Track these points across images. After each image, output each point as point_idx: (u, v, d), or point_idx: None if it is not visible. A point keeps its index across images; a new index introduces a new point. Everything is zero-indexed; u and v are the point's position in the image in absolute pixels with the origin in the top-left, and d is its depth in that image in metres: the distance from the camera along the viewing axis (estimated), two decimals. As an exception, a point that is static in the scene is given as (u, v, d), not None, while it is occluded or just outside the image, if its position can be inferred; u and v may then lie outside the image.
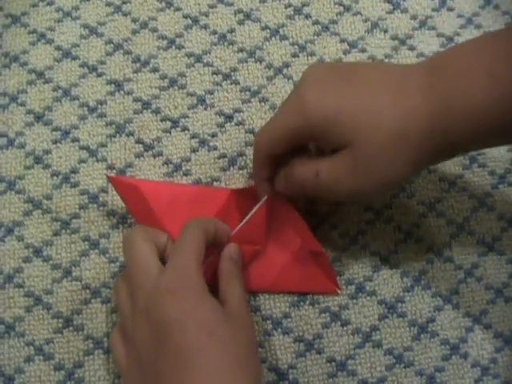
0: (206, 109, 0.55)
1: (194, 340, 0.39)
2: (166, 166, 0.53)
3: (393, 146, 0.41)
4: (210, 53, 0.57)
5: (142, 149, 0.54)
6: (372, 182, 0.42)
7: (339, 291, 0.51)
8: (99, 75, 0.56)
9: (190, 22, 0.58)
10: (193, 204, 0.49)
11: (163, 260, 0.44)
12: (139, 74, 0.56)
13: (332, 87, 0.43)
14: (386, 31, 0.58)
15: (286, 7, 0.59)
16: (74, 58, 0.56)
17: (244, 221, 0.48)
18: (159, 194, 0.48)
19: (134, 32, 0.57)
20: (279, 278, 0.50)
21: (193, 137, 0.54)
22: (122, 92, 0.55)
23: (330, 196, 0.47)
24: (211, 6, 0.58)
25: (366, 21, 0.59)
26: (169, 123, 0.54)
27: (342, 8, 0.59)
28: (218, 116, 0.55)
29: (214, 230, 0.46)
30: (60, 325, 0.49)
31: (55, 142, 0.54)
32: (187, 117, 0.55)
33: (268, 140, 0.45)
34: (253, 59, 0.57)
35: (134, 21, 0.57)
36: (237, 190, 0.51)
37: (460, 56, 0.41)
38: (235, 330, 0.41)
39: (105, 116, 0.54)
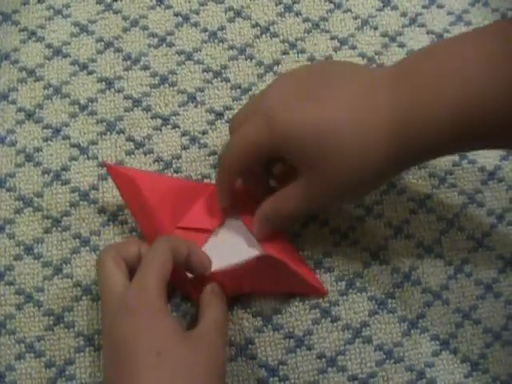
0: (196, 106, 0.55)
1: (143, 359, 0.39)
2: (156, 163, 0.53)
3: (351, 169, 0.41)
4: (200, 50, 0.57)
5: (133, 146, 0.54)
6: (330, 204, 0.46)
7: (326, 290, 0.51)
8: (90, 73, 0.56)
9: (180, 19, 0.58)
10: (184, 196, 0.49)
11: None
12: (130, 71, 0.56)
13: (297, 101, 0.43)
14: (376, 28, 0.59)
15: (276, 4, 0.59)
16: (65, 56, 0.56)
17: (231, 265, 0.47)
18: (153, 185, 0.48)
19: (125, 30, 0.57)
20: (267, 282, 0.50)
21: (183, 134, 0.54)
22: (112, 90, 0.55)
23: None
24: (202, 4, 0.58)
25: (356, 18, 0.59)
26: (159, 121, 0.55)
27: (332, 5, 0.59)
28: (208, 113, 0.55)
29: (186, 251, 0.45)
30: (51, 322, 0.49)
31: (46, 139, 0.54)
32: (178, 114, 0.55)
33: (236, 158, 0.45)
34: (243, 57, 0.57)
35: (125, 19, 0.57)
36: None
37: (430, 59, 0.41)
38: (192, 351, 0.41)
39: (96, 114, 0.54)
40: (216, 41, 0.57)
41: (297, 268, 0.48)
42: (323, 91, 0.43)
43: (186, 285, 0.48)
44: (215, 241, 0.50)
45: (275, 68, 0.57)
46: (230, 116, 0.55)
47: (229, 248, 0.49)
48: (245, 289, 0.49)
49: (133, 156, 0.53)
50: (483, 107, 0.38)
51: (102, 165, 0.53)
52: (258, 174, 0.49)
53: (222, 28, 0.58)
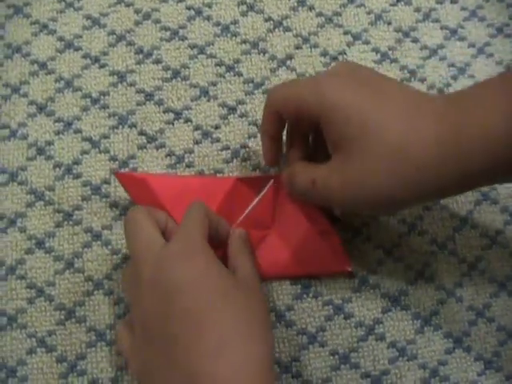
0: (209, 100, 0.55)
1: (208, 301, 0.39)
2: (168, 157, 0.53)
3: (390, 160, 0.40)
4: (213, 44, 0.56)
5: (145, 140, 0.53)
6: (365, 196, 0.41)
7: (350, 269, 0.50)
8: (102, 66, 0.55)
9: (193, 13, 0.57)
10: (199, 194, 0.49)
11: (164, 237, 0.44)
12: (142, 65, 0.56)
13: (352, 85, 0.42)
14: (389, 23, 0.58)
15: (289, -1, 0.58)
16: (77, 49, 0.56)
17: (251, 206, 0.49)
18: (167, 187, 0.48)
19: (137, 23, 0.57)
20: (289, 261, 0.50)
21: (196, 128, 0.54)
22: (124, 83, 0.55)
23: (329, 204, 0.47)
24: (214, -3, 0.58)
25: (369, 13, 0.58)
26: (172, 115, 0.54)
27: (345, 0, 0.59)
28: (221, 108, 0.55)
29: (216, 219, 0.46)
30: (62, 317, 0.49)
31: (58, 133, 0.53)
32: (190, 108, 0.55)
33: (281, 97, 0.45)
34: (256, 51, 0.57)
35: (137, 12, 0.57)
36: (242, 178, 0.51)
37: (477, 91, 0.40)
38: (247, 296, 0.41)
39: (107, 107, 0.54)
40: (229, 35, 0.57)
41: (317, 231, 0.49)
42: (375, 85, 0.43)
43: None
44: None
45: (288, 62, 0.56)
46: (243, 110, 0.54)
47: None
48: (265, 265, 0.49)
49: (145, 150, 0.53)
50: None
51: (113, 159, 0.53)
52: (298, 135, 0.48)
53: (235, 22, 0.57)
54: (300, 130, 0.48)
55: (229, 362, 0.38)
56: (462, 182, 0.40)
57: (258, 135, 0.53)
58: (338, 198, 0.43)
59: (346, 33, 0.58)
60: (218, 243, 0.47)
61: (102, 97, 0.54)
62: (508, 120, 0.37)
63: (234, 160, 0.53)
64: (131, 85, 0.55)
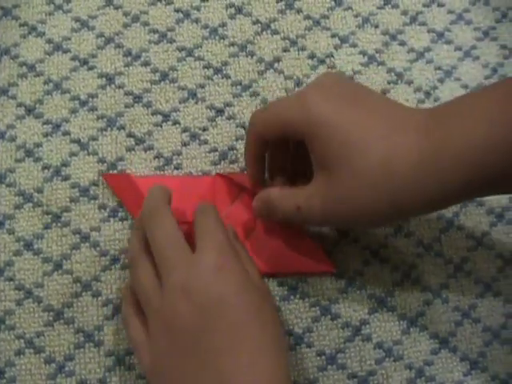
0: (197, 103, 0.55)
1: (248, 314, 0.41)
2: (157, 159, 0.53)
3: (373, 176, 0.40)
4: (201, 47, 0.57)
5: (134, 142, 0.54)
6: (347, 214, 0.42)
7: (334, 270, 0.51)
8: (90, 68, 0.55)
9: (181, 15, 0.58)
10: (185, 193, 0.50)
11: None
12: (130, 67, 0.56)
13: (336, 99, 0.43)
14: (376, 26, 0.59)
15: (277, 1, 0.59)
16: (66, 51, 0.56)
17: (233, 203, 0.51)
18: (152, 186, 0.49)
19: (126, 25, 0.57)
20: (275, 258, 0.50)
21: (184, 131, 0.54)
22: (113, 85, 0.55)
23: (312, 225, 0.50)
24: (203, 0, 0.58)
25: (357, 16, 0.59)
26: (160, 117, 0.54)
27: (333, 3, 0.59)
28: (209, 110, 0.55)
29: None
30: (51, 318, 0.49)
31: (46, 135, 0.53)
32: (178, 110, 0.55)
33: (263, 120, 0.46)
34: (244, 53, 0.57)
35: (126, 14, 0.57)
36: (222, 175, 0.52)
37: (460, 105, 0.41)
38: (272, 307, 0.44)
39: (96, 109, 0.54)
40: (217, 37, 0.57)
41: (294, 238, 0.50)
42: (359, 98, 0.43)
43: None
44: None
45: (276, 65, 0.57)
46: (231, 113, 0.55)
47: None
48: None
49: (133, 152, 0.53)
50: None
51: (101, 161, 0.53)
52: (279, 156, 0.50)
53: (223, 24, 0.57)
54: (280, 154, 0.49)
55: (264, 370, 0.39)
56: (447, 196, 0.40)
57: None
58: (320, 217, 0.43)
59: (333, 36, 0.58)
60: None
61: (90, 99, 0.55)
62: (498, 127, 0.37)
63: (222, 162, 0.54)
64: (120, 87, 0.55)
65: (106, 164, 0.53)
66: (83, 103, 0.54)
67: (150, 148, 0.54)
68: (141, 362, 0.43)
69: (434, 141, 0.39)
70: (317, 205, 0.43)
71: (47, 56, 0.56)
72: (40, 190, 0.52)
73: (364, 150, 0.40)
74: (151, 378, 0.42)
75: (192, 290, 0.40)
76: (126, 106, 0.54)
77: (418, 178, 0.39)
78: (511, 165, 0.38)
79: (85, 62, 0.56)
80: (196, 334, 0.40)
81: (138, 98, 0.55)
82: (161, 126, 0.54)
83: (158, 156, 0.53)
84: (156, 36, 0.57)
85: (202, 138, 0.54)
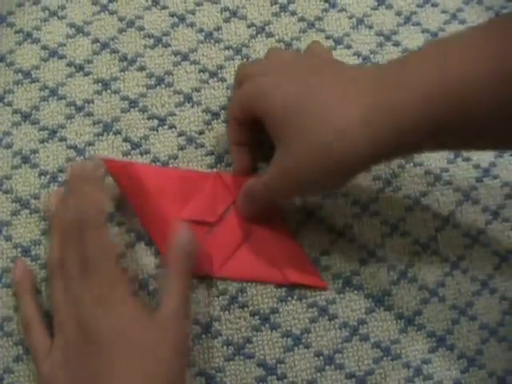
0: (192, 106, 0.55)
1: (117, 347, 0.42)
2: (153, 164, 0.53)
3: (325, 134, 0.42)
4: (196, 51, 0.57)
5: (130, 147, 0.54)
6: (303, 178, 0.44)
7: (324, 283, 0.51)
8: (86, 74, 0.56)
9: (176, 20, 0.58)
10: (186, 187, 0.52)
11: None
12: (126, 72, 0.56)
13: (286, 76, 0.46)
14: (371, 27, 0.59)
15: (271, 4, 0.59)
16: (61, 58, 0.56)
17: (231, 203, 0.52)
18: (154, 175, 0.51)
19: (121, 31, 0.57)
20: (267, 267, 0.51)
21: (180, 134, 0.54)
22: (109, 91, 0.55)
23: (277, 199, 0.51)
24: (197, 4, 0.58)
25: (351, 17, 0.59)
26: (156, 121, 0.55)
27: (327, 5, 0.59)
28: (204, 113, 0.55)
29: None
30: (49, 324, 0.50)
31: (42, 141, 0.54)
32: (174, 115, 0.55)
33: (235, 105, 0.50)
34: (239, 57, 0.57)
35: (121, 19, 0.58)
36: (224, 173, 0.53)
37: (402, 67, 0.42)
38: (159, 333, 0.43)
39: (92, 115, 0.55)
40: (212, 41, 0.57)
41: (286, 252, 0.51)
42: (311, 78, 0.45)
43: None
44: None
45: (271, 67, 0.57)
46: (226, 116, 0.55)
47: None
48: (244, 268, 0.51)
49: (129, 157, 0.54)
50: (463, 95, 0.38)
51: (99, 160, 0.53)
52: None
53: (218, 28, 0.58)
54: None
55: None
56: (394, 147, 0.42)
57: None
58: (282, 185, 0.46)
59: (327, 37, 0.58)
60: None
61: (86, 104, 0.55)
62: (435, 86, 0.39)
63: (218, 165, 0.54)
64: (115, 92, 0.55)
65: (102, 170, 0.53)
66: (79, 109, 0.55)
67: (147, 152, 0.54)
68: (39, 369, 0.45)
69: (377, 101, 0.41)
70: (276, 176, 0.45)
71: (43, 62, 0.56)
72: (37, 197, 0.52)
73: (317, 113, 0.43)
74: None
75: (109, 309, 0.42)
76: (122, 111, 0.55)
77: (372, 127, 0.41)
78: (445, 121, 0.39)
79: (80, 68, 0.56)
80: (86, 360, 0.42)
81: (133, 103, 0.55)
82: (157, 131, 0.54)
83: (154, 160, 0.54)
84: (151, 40, 0.57)
85: (198, 141, 0.54)
